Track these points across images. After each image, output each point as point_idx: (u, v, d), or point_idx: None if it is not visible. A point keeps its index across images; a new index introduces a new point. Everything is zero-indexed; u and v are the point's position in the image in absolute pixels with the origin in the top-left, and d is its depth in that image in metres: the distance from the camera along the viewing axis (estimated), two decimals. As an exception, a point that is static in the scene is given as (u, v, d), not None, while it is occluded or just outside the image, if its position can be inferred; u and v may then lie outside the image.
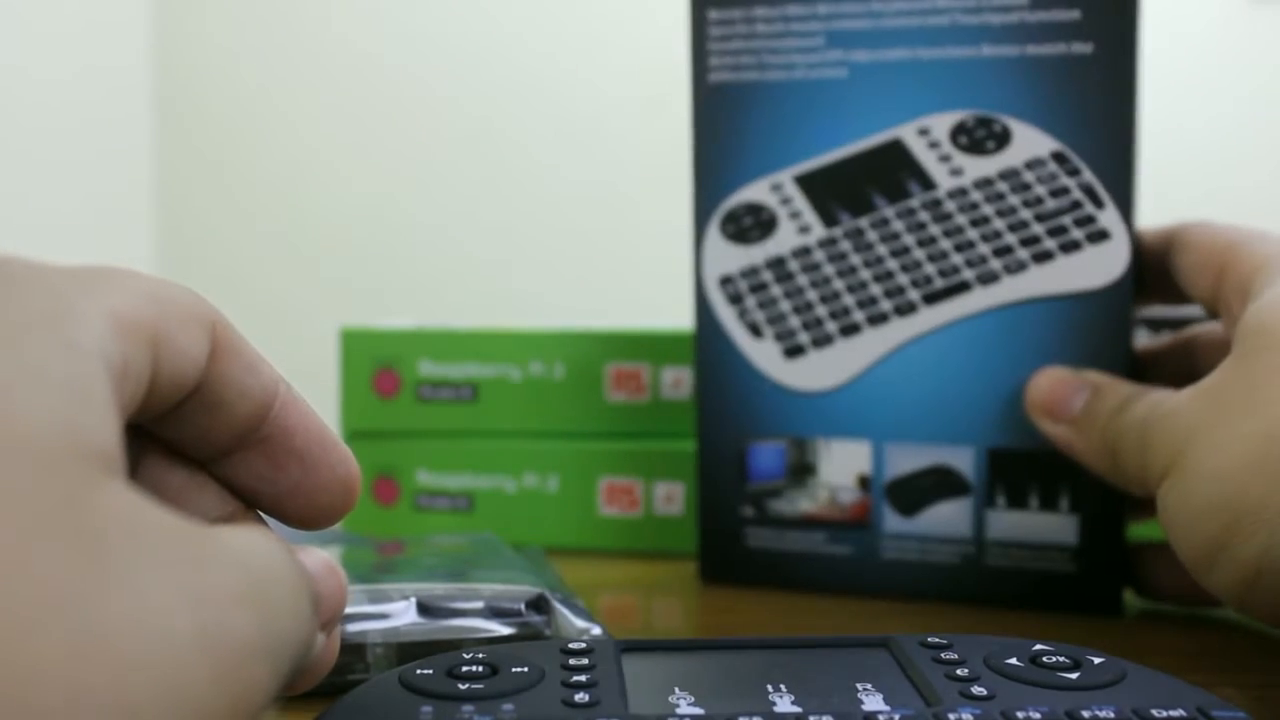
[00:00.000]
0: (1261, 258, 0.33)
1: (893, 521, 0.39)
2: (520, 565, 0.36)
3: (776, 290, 0.39)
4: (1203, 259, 0.35)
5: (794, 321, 0.39)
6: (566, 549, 0.46)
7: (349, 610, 0.31)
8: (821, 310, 0.39)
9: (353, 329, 0.49)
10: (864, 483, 0.39)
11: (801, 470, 0.40)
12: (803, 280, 0.39)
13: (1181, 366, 0.38)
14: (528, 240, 1.96)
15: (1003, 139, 0.37)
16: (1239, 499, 0.29)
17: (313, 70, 2.00)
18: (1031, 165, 0.37)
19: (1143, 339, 0.41)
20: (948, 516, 0.39)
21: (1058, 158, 0.37)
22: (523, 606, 0.32)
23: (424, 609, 0.32)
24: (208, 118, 2.03)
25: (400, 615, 0.32)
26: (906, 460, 0.39)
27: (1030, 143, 0.37)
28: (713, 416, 0.41)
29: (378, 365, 0.48)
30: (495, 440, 0.47)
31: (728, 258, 0.40)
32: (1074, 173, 0.37)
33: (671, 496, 0.46)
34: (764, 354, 0.40)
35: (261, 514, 0.26)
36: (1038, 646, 0.27)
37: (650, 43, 1.80)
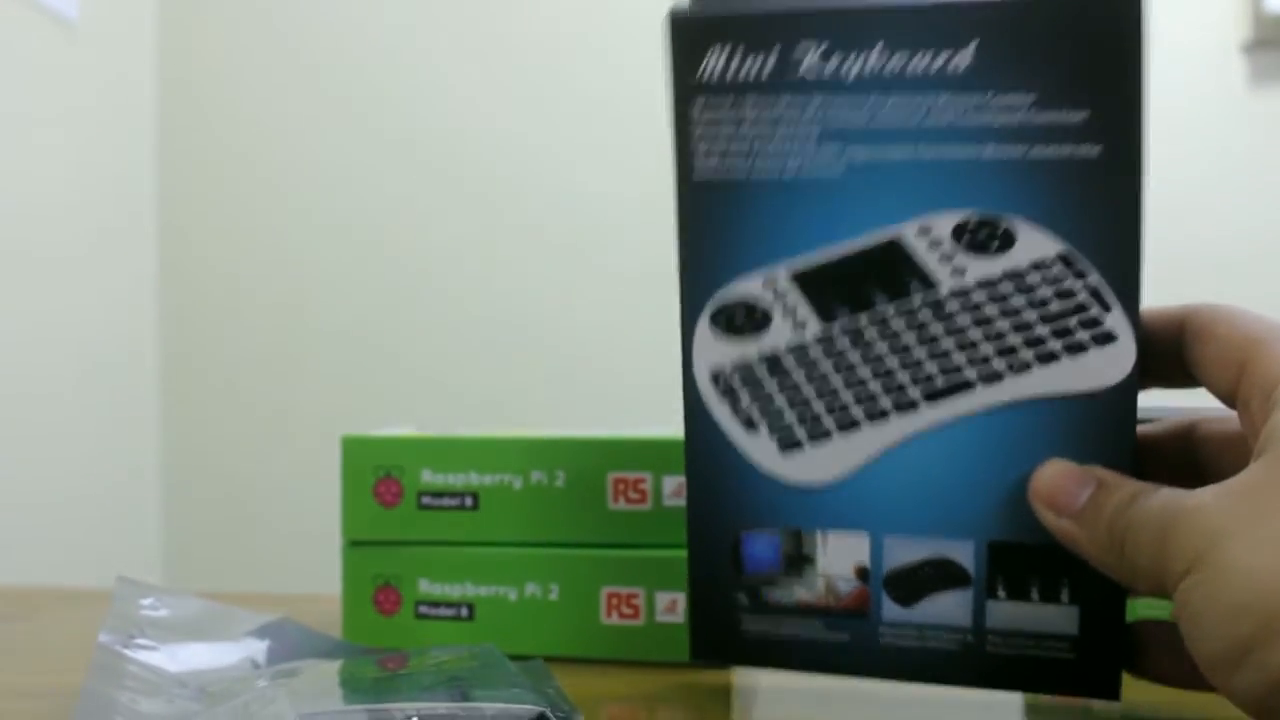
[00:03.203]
0: None
1: (891, 610, 0.39)
2: (521, 682, 0.36)
3: (771, 385, 0.39)
4: (1223, 352, 0.35)
5: (790, 416, 0.39)
6: (568, 658, 0.46)
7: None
8: (819, 406, 0.38)
9: (353, 437, 0.49)
10: (862, 573, 0.39)
11: (798, 561, 0.40)
12: (799, 376, 0.39)
13: (1181, 455, 0.38)
14: (526, 346, 1.97)
15: (1007, 240, 0.37)
16: (1273, 601, 0.29)
17: (313, 177, 2.03)
18: (1037, 266, 0.37)
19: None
20: (947, 606, 0.39)
21: (1064, 259, 0.37)
22: (523, 726, 0.32)
23: (425, 730, 0.32)
24: (209, 220, 2.05)
25: (401, 737, 0.32)
26: (905, 552, 0.39)
27: (1036, 244, 0.37)
28: (706, 507, 0.40)
29: (379, 473, 0.48)
30: (496, 549, 0.47)
31: (719, 351, 0.39)
32: (1081, 275, 0.37)
33: (674, 605, 0.46)
34: (759, 448, 0.39)
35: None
36: None
37: (653, 140, 1.83)
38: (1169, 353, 0.37)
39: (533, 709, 0.33)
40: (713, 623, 0.41)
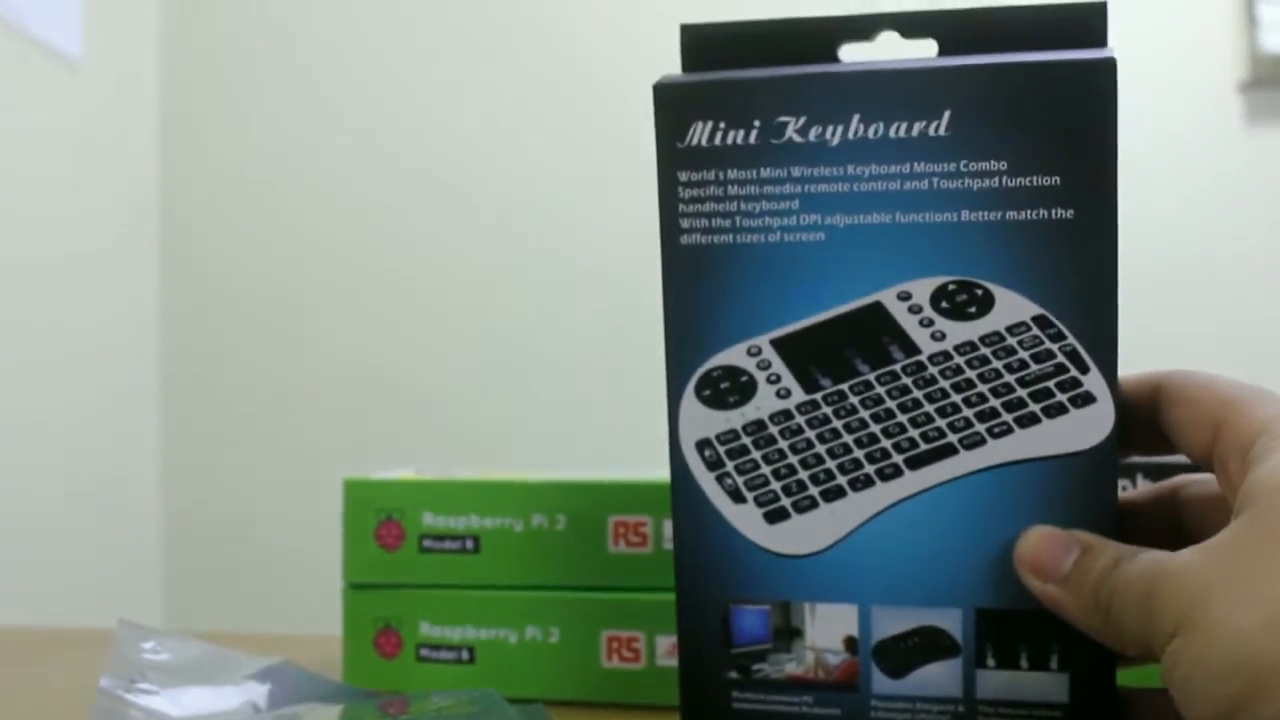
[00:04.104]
0: (1262, 420, 0.33)
1: (881, 683, 0.39)
2: (521, 726, 0.37)
3: (757, 454, 0.39)
4: (1197, 414, 0.35)
5: (776, 486, 0.39)
6: (568, 702, 0.47)
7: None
8: (804, 474, 0.39)
9: (355, 480, 0.49)
10: (851, 645, 0.39)
11: (787, 633, 0.40)
12: (784, 444, 0.39)
13: (1165, 518, 0.38)
14: (528, 387, 1.98)
15: (985, 304, 0.37)
16: (1260, 660, 0.29)
17: (317, 215, 2.04)
18: (1014, 330, 0.37)
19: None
20: (937, 677, 0.39)
21: (1040, 322, 0.37)
22: (524, 771, 0.32)
23: (427, 776, 0.32)
24: (211, 259, 2.06)
25: (403, 783, 0.32)
26: (894, 622, 0.39)
27: (1012, 307, 0.37)
28: (694, 580, 0.40)
29: (380, 516, 0.48)
30: (497, 592, 0.48)
31: (704, 422, 0.40)
32: (1058, 337, 0.37)
33: (674, 649, 0.46)
34: (746, 519, 0.39)
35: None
36: None
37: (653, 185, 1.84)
38: (1144, 420, 0.37)
39: (532, 755, 0.33)
40: (704, 702, 0.41)
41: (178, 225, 2.05)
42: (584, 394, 1.96)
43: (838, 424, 0.39)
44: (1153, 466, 0.44)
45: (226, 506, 2.04)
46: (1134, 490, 0.40)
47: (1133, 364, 0.38)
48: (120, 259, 1.94)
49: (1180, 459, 0.41)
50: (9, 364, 1.65)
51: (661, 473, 0.48)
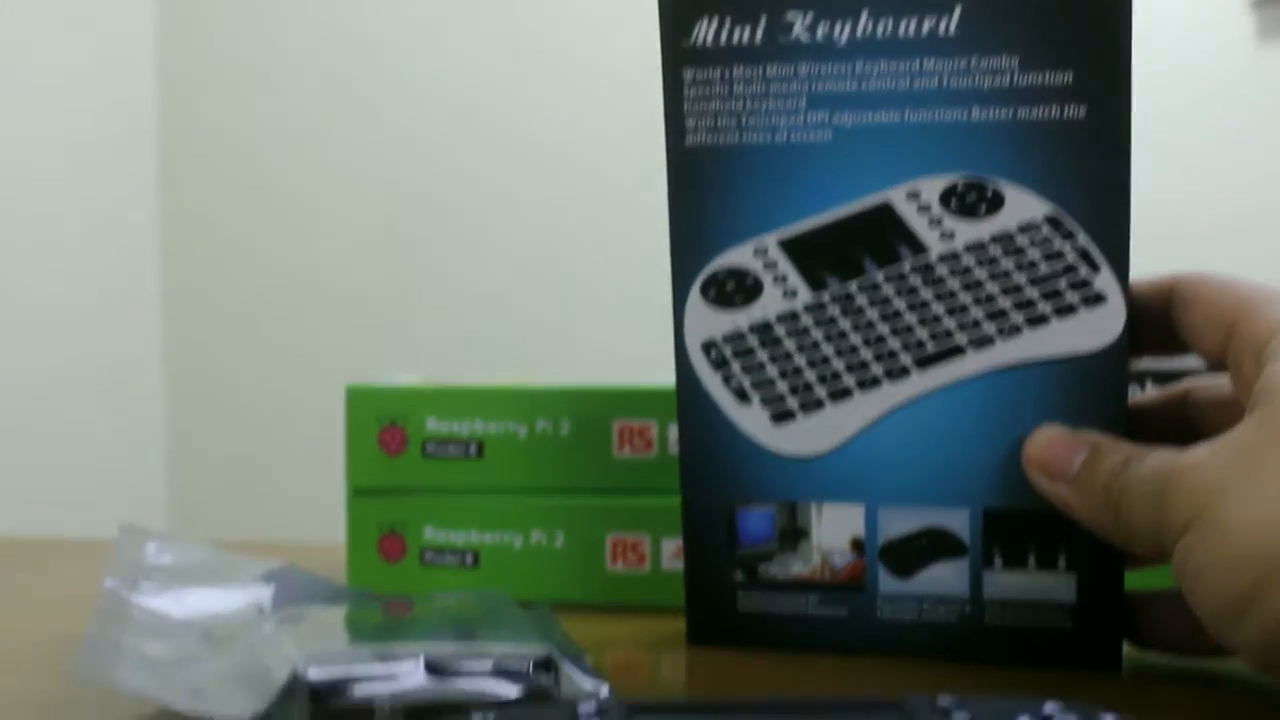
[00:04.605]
0: (1276, 320, 0.33)
1: (888, 583, 0.39)
2: (527, 624, 0.37)
3: (763, 355, 0.39)
4: (1211, 315, 0.35)
5: (782, 386, 0.39)
6: (574, 605, 0.47)
7: (357, 672, 0.32)
8: (810, 375, 0.38)
9: (358, 386, 0.49)
10: (858, 546, 0.39)
11: (793, 534, 0.40)
12: (790, 345, 0.39)
13: (1175, 421, 0.38)
14: (533, 292, 1.97)
15: (995, 203, 0.37)
16: (1272, 552, 0.29)
17: (319, 124, 2.02)
18: (1025, 229, 0.37)
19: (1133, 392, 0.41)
20: (944, 577, 0.39)
21: (1051, 221, 0.37)
22: (530, 667, 0.32)
23: (432, 669, 0.32)
24: (212, 167, 2.04)
25: (408, 676, 0.32)
26: (901, 522, 0.39)
27: (1023, 206, 0.37)
28: (699, 481, 0.40)
29: (384, 422, 0.48)
30: (501, 497, 0.48)
31: (710, 322, 0.39)
32: (1068, 236, 0.37)
33: (679, 552, 0.46)
34: (751, 419, 0.39)
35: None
36: (1049, 706, 0.27)
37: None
38: (1159, 321, 0.37)
39: (539, 649, 0.33)
40: (709, 603, 0.41)
41: (177, 132, 2.03)
42: (593, 299, 1.95)
43: (845, 324, 0.38)
44: (1163, 373, 0.44)
45: (230, 414, 2.04)
46: (1144, 395, 0.40)
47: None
48: (119, 166, 1.93)
49: (1192, 365, 0.41)
50: (12, 278, 1.65)
51: (667, 378, 0.47)
